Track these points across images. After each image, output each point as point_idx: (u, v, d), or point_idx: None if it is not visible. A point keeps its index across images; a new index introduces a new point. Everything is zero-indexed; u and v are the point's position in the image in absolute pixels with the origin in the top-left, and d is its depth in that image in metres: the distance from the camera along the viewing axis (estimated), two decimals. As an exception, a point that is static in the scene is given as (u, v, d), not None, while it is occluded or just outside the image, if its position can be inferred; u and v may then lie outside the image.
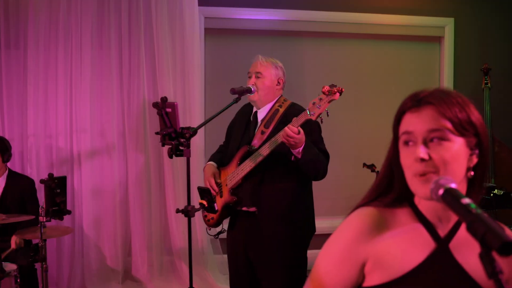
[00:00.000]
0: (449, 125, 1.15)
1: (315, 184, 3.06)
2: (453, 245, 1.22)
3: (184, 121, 4.38)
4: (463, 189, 1.21)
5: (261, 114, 3.04)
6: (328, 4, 4.84)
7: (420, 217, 1.24)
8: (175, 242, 4.52)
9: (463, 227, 1.22)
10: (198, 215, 3.39)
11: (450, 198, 1.03)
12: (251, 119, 3.08)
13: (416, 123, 1.17)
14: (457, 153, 1.16)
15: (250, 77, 3.01)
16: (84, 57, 4.29)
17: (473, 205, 0.98)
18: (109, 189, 4.43)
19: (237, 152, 3.01)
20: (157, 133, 2.70)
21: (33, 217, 3.38)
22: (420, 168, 1.14)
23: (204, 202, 2.69)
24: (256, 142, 2.96)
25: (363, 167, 4.53)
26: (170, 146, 2.63)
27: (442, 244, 1.22)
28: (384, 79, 5.11)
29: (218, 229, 3.17)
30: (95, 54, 4.33)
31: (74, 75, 4.29)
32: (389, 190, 1.27)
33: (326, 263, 1.28)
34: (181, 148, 2.60)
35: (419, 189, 1.16)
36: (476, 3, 5.20)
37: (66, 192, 3.73)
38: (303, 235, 3.01)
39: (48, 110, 4.30)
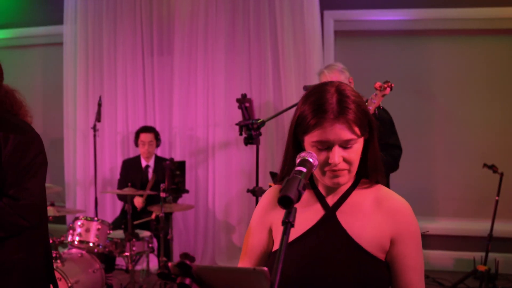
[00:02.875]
0: (356, 135, 1.36)
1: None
2: (339, 212, 1.45)
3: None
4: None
5: None
6: (457, 0, 4.71)
7: (315, 191, 1.50)
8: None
9: (350, 198, 1.46)
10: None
11: (298, 165, 1.30)
12: None
13: (330, 134, 1.35)
14: (359, 150, 1.41)
15: None
16: (219, 61, 4.92)
17: (300, 172, 1.24)
18: (237, 175, 5.01)
19: None
20: (236, 124, 3.13)
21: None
22: (333, 168, 1.37)
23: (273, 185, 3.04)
24: None
25: (483, 167, 4.36)
26: (246, 136, 3.04)
27: (330, 211, 1.45)
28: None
29: None
30: (228, 59, 4.94)
31: (210, 77, 4.96)
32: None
33: (251, 225, 1.57)
34: (253, 137, 2.99)
35: (327, 181, 1.40)
36: None
37: (184, 174, 4.41)
38: None
39: (189, 107, 5.05)
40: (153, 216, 4.34)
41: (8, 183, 2.12)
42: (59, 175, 5.38)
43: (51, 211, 3.90)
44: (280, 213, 1.47)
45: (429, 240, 4.84)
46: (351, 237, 1.41)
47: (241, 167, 5.00)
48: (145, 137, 4.62)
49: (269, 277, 1.01)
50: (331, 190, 1.47)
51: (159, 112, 5.15)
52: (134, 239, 3.99)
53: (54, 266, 3.61)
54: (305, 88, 3.20)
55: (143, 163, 4.72)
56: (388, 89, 2.81)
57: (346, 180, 1.40)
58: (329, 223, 1.44)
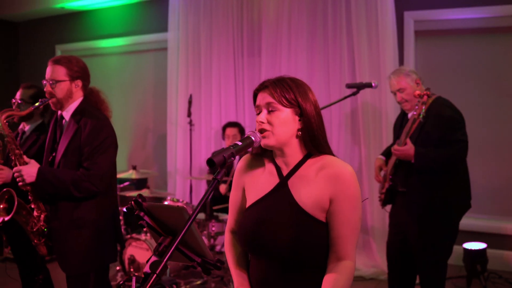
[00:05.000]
0: (275, 100, 1.72)
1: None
2: (291, 181, 1.77)
3: (380, 122, 4.97)
4: (294, 142, 1.76)
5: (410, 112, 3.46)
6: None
7: (274, 162, 1.84)
8: (369, 221, 5.09)
9: (300, 169, 1.77)
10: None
11: (240, 140, 1.69)
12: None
13: (260, 100, 1.77)
14: (284, 119, 1.73)
15: (395, 95, 3.47)
16: (301, 61, 5.27)
17: (235, 145, 1.64)
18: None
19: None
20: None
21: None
22: (259, 127, 1.75)
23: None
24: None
25: None
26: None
27: (283, 180, 1.78)
28: None
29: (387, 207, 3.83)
30: (309, 59, 5.27)
31: (292, 75, 5.31)
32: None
33: (232, 185, 1.97)
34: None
35: (262, 142, 1.76)
36: None
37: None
38: (451, 211, 3.33)
39: (273, 105, 5.46)
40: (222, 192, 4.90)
41: (84, 158, 2.77)
42: (163, 165, 6.14)
43: (145, 193, 4.58)
44: (250, 177, 1.88)
45: (509, 241, 4.75)
46: (295, 201, 1.72)
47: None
48: (230, 131, 5.13)
49: (189, 212, 1.40)
50: (286, 163, 1.79)
51: (249, 109, 5.64)
52: (213, 220, 4.52)
53: (143, 238, 4.29)
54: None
55: (230, 156, 5.23)
56: (426, 96, 3.01)
57: (272, 142, 1.71)
58: (281, 190, 1.77)
